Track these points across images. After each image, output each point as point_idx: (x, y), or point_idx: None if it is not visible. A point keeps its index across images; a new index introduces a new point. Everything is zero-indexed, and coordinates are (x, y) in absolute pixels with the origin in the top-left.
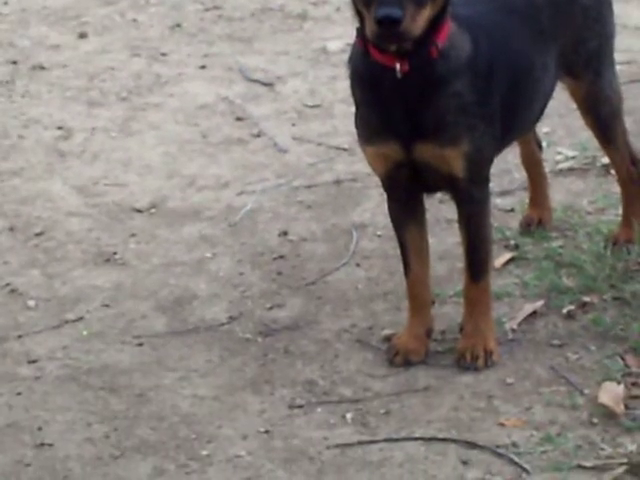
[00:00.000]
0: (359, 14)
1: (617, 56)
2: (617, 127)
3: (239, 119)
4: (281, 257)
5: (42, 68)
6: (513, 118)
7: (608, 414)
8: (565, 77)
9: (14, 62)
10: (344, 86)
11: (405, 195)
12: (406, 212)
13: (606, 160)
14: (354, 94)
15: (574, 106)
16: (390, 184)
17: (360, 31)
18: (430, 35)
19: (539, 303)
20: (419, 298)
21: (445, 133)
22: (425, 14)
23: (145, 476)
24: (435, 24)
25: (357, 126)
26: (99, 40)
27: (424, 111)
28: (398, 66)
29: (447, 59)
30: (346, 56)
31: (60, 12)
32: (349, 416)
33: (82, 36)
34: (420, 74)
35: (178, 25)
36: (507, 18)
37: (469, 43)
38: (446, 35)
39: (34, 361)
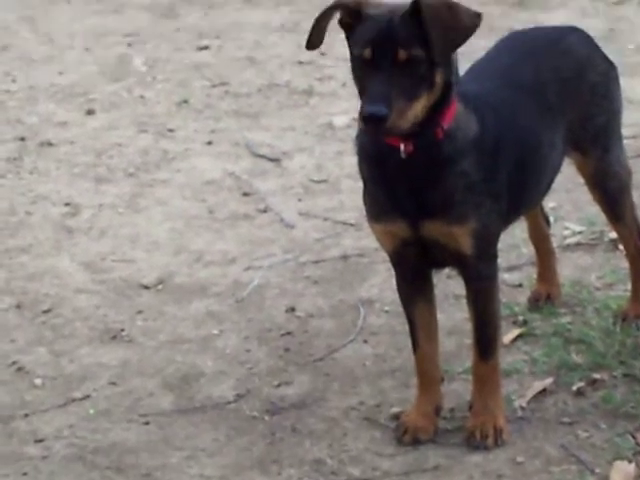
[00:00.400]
0: None
1: (623, 131)
2: (625, 202)
3: (246, 194)
4: (288, 333)
5: (50, 145)
6: (520, 194)
7: None
8: (573, 152)
9: (22, 139)
10: (350, 161)
11: (413, 271)
12: (414, 288)
13: (614, 235)
14: (361, 171)
15: (581, 180)
16: (398, 261)
17: None
18: (435, 117)
19: (548, 380)
20: (428, 375)
21: (452, 211)
22: (418, 106)
23: None
24: (439, 107)
25: (365, 203)
26: (106, 117)
27: (430, 190)
28: (402, 147)
29: (453, 139)
30: (352, 131)
31: (68, 89)
32: None
33: (89, 113)
34: (425, 154)
35: (185, 101)
36: (514, 94)
37: (475, 122)
38: (452, 116)
39: (41, 440)
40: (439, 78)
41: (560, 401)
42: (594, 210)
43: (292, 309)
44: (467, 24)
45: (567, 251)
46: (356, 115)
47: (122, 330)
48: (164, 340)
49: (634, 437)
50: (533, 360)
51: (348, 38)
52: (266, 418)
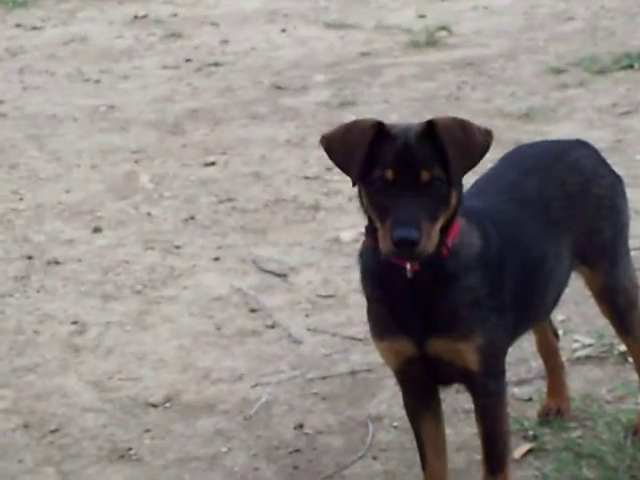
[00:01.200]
0: (367, 213)
1: (631, 242)
2: (634, 316)
3: (253, 310)
4: (297, 451)
5: (57, 263)
6: (526, 309)
7: None
8: (580, 266)
9: (29, 257)
10: (358, 276)
11: (419, 388)
12: (421, 405)
13: (623, 347)
14: (365, 289)
15: (589, 293)
16: (404, 378)
17: (369, 229)
18: (440, 236)
19: None
20: None
21: (458, 327)
22: (438, 227)
23: None
24: (445, 226)
25: (369, 321)
26: (113, 234)
27: (435, 307)
28: (408, 266)
29: (457, 256)
30: (359, 245)
31: (74, 207)
32: None
33: (96, 230)
34: (430, 272)
35: (192, 217)
36: (518, 210)
37: (479, 238)
38: (456, 232)
39: None
40: (454, 198)
41: None
42: (603, 322)
43: (300, 426)
44: (481, 142)
45: (577, 364)
46: (362, 230)
47: (130, 449)
48: (172, 459)
49: None
50: (544, 475)
51: None
52: None
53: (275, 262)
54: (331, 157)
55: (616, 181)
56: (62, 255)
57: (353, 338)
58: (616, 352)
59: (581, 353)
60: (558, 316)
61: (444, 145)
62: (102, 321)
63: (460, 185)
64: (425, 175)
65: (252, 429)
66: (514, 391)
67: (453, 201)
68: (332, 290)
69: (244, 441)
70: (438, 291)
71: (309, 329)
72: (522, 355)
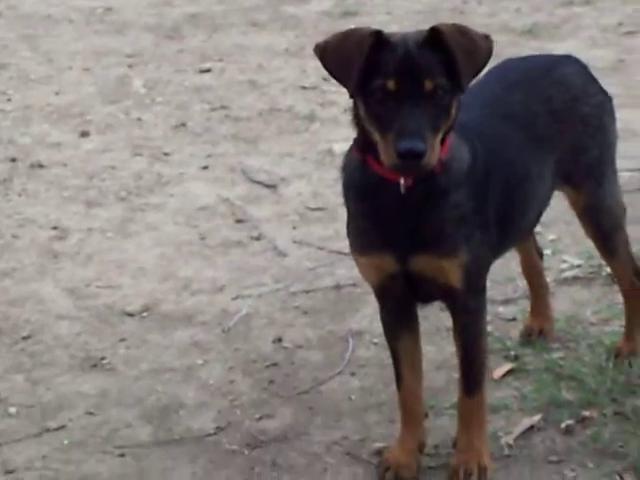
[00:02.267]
0: (359, 126)
1: (625, 163)
2: (619, 238)
3: (239, 221)
4: (274, 365)
5: (41, 166)
6: (509, 226)
7: None
8: (564, 186)
9: (13, 160)
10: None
11: (399, 305)
12: (399, 322)
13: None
14: (347, 203)
15: None
16: (383, 294)
17: (359, 140)
18: None
19: (537, 417)
20: (411, 411)
21: (443, 244)
22: (439, 138)
23: None
24: (441, 140)
25: (349, 235)
26: (101, 139)
27: (422, 223)
28: (402, 182)
29: (449, 171)
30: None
31: (63, 110)
32: None
33: (84, 134)
34: (422, 188)
35: (183, 124)
36: (503, 125)
37: (467, 153)
38: (448, 148)
39: (11, 471)
40: (455, 108)
41: (548, 439)
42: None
43: (279, 340)
44: (485, 47)
45: (564, 285)
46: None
47: (103, 358)
48: (146, 369)
49: (622, 477)
50: (523, 396)
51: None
52: (246, 452)
53: (265, 172)
54: (326, 66)
55: (605, 99)
56: (47, 159)
57: (340, 252)
58: (604, 274)
59: (569, 274)
60: (548, 235)
61: (452, 52)
62: (84, 227)
63: (459, 97)
64: (429, 84)
65: (230, 341)
66: (499, 310)
67: (454, 113)
68: (321, 203)
69: (221, 353)
70: (427, 207)
71: (295, 242)
72: (509, 274)
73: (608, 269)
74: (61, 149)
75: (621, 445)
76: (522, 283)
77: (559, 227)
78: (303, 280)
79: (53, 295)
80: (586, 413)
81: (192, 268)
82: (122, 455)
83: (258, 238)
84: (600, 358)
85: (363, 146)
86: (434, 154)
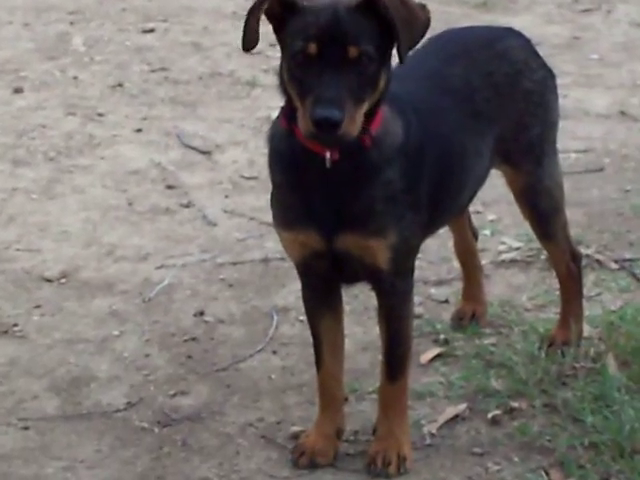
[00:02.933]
0: (286, 93)
1: (574, 144)
2: (557, 221)
3: (170, 187)
4: (193, 339)
5: None
6: (441, 205)
7: None
8: (502, 165)
9: None
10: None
11: (322, 284)
12: (322, 301)
13: None
14: (272, 175)
15: None
16: (306, 272)
17: (286, 109)
18: (364, 124)
19: (462, 406)
20: (330, 395)
21: (372, 223)
22: (362, 111)
23: None
24: (370, 113)
25: (273, 208)
26: (35, 96)
27: (351, 200)
28: (328, 155)
29: (379, 147)
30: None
31: None
32: None
33: (17, 91)
34: (350, 162)
35: (120, 85)
36: (440, 98)
37: (401, 128)
38: (379, 121)
39: None
40: (383, 80)
41: (473, 429)
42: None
43: (201, 313)
44: (423, 18)
45: (500, 268)
46: None
47: (15, 325)
48: (59, 338)
49: (547, 474)
50: (449, 383)
51: (278, 32)
52: (156, 430)
53: (201, 138)
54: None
55: (548, 75)
56: None
57: (271, 224)
58: (543, 257)
59: (506, 256)
60: (488, 215)
61: (389, 20)
62: (8, 187)
63: (389, 68)
64: (353, 50)
65: (149, 313)
66: (431, 291)
67: (381, 84)
68: (256, 172)
69: (139, 325)
70: (356, 183)
71: (226, 211)
72: (444, 254)
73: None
74: None
75: (549, 439)
76: (457, 264)
77: (500, 207)
78: (231, 251)
79: None
80: (514, 404)
81: (117, 234)
82: (26, 428)
83: (188, 206)
84: (533, 346)
85: (289, 115)
86: (354, 125)
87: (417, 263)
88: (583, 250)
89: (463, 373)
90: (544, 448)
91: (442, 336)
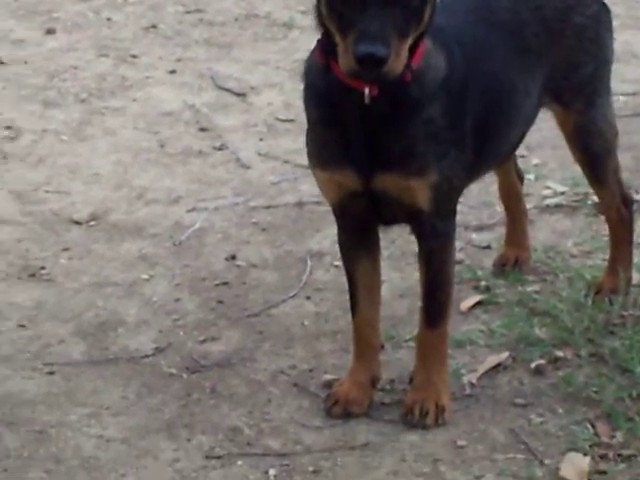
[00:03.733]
0: (323, 26)
1: (622, 86)
2: (609, 163)
3: (203, 129)
4: (224, 284)
5: (1, 63)
6: (487, 146)
7: None
8: (553, 104)
9: None
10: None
11: (359, 226)
12: (359, 244)
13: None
14: (308, 112)
15: None
16: (343, 213)
17: (322, 43)
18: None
19: (504, 355)
20: (365, 341)
21: (412, 162)
22: (407, 44)
23: None
24: (412, 46)
25: (308, 146)
26: (67, 37)
27: (390, 138)
28: (367, 90)
29: (421, 82)
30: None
31: (31, 6)
32: (272, 472)
33: (49, 32)
34: (391, 98)
35: (154, 26)
36: (487, 32)
37: (444, 62)
38: (421, 55)
39: None
40: (428, 12)
41: (515, 379)
42: (580, 170)
43: (233, 257)
44: None
45: (545, 213)
46: None
47: (43, 268)
48: (87, 282)
49: (593, 426)
50: (491, 331)
51: None
52: (184, 376)
53: (235, 80)
54: None
55: (602, 10)
56: (8, 55)
57: (306, 167)
58: (589, 203)
59: (551, 201)
60: (532, 159)
61: None
62: (38, 128)
63: (434, 0)
64: None
65: (180, 257)
66: (472, 237)
67: (426, 16)
68: (292, 114)
69: (169, 269)
70: (396, 120)
71: (260, 154)
72: (486, 199)
73: (594, 198)
74: (24, 46)
75: (595, 390)
76: (500, 209)
77: (544, 151)
78: (264, 195)
79: None
80: (559, 353)
81: (148, 177)
82: (51, 373)
83: (221, 148)
84: (579, 294)
85: (326, 49)
86: (399, 61)
87: (458, 208)
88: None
89: (505, 321)
90: (590, 399)
91: (483, 283)
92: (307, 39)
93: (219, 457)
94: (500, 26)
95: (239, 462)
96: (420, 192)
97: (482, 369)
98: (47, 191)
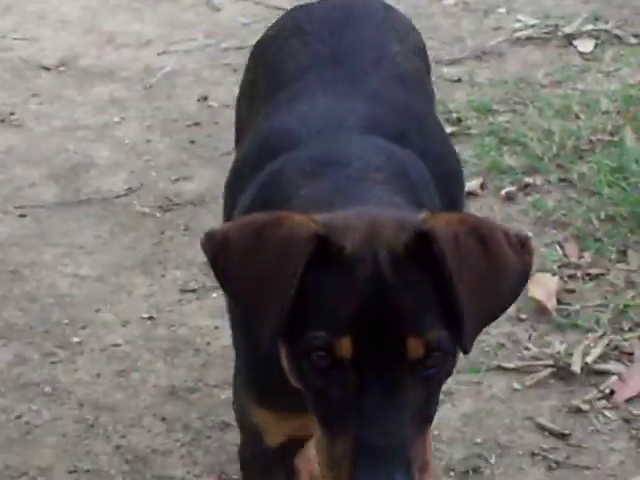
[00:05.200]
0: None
1: None
2: None
3: None
4: (196, 124)
5: None
6: None
7: (538, 309)
8: None
9: None
10: None
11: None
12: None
13: (569, 29)
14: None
15: None
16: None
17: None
18: None
19: (475, 182)
20: None
21: None
22: (428, 434)
23: (4, 364)
24: None
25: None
26: None
27: None
28: None
29: None
30: None
31: None
32: None
33: None
34: None
35: None
36: None
37: None
38: None
39: None
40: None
41: (486, 206)
42: (551, 2)
43: (204, 98)
44: (517, 267)
45: (516, 45)
46: None
47: (12, 114)
48: (57, 126)
49: (562, 247)
50: (463, 161)
51: None
52: (157, 215)
53: None
54: (223, 276)
55: None
56: None
57: (278, 8)
58: (560, 34)
59: (522, 33)
60: None
61: (455, 281)
62: None
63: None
64: (416, 346)
65: (151, 99)
66: (443, 71)
67: (452, 371)
68: None
69: (140, 111)
70: None
71: None
72: (457, 33)
73: (565, 29)
74: None
75: (564, 213)
76: (471, 42)
77: None
78: (235, 36)
79: None
80: (529, 180)
81: (118, 21)
82: (23, 216)
83: None
84: (549, 122)
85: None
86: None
87: (429, 44)
88: (602, 25)
89: (476, 150)
90: (559, 222)
91: (454, 115)
92: None
93: (194, 290)
94: None
95: (214, 295)
96: None
97: None
98: (15, 38)
